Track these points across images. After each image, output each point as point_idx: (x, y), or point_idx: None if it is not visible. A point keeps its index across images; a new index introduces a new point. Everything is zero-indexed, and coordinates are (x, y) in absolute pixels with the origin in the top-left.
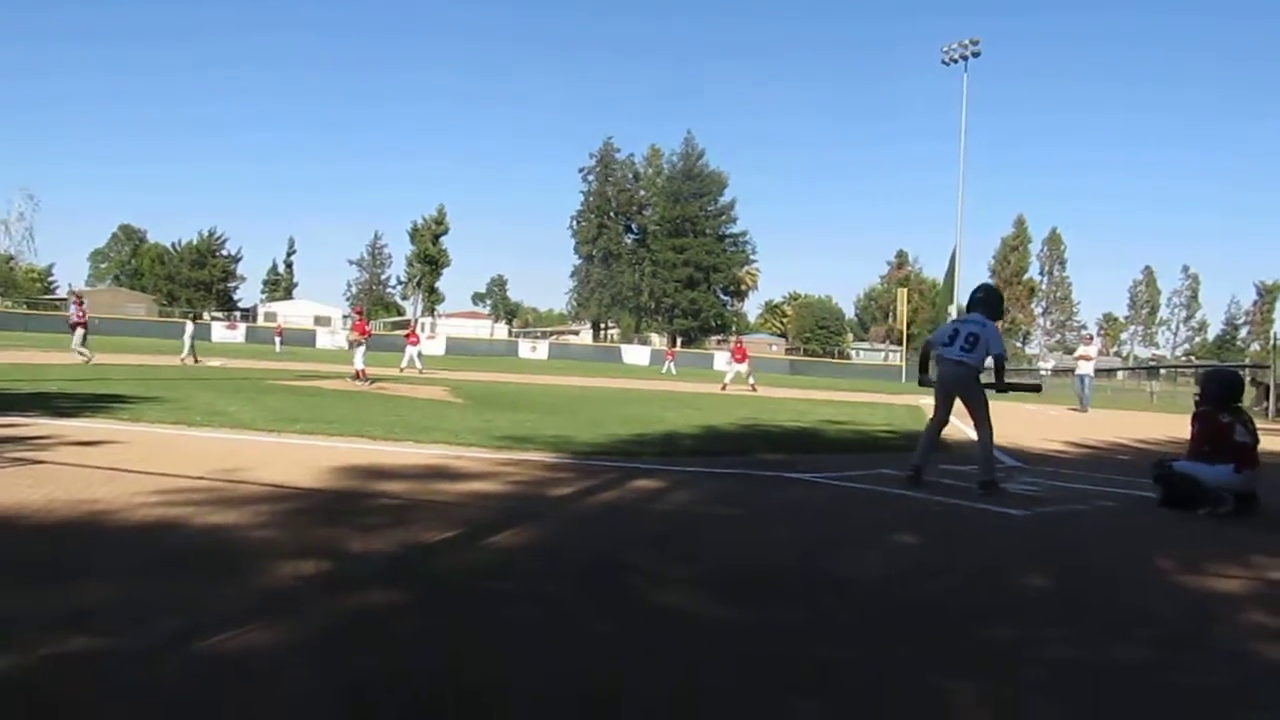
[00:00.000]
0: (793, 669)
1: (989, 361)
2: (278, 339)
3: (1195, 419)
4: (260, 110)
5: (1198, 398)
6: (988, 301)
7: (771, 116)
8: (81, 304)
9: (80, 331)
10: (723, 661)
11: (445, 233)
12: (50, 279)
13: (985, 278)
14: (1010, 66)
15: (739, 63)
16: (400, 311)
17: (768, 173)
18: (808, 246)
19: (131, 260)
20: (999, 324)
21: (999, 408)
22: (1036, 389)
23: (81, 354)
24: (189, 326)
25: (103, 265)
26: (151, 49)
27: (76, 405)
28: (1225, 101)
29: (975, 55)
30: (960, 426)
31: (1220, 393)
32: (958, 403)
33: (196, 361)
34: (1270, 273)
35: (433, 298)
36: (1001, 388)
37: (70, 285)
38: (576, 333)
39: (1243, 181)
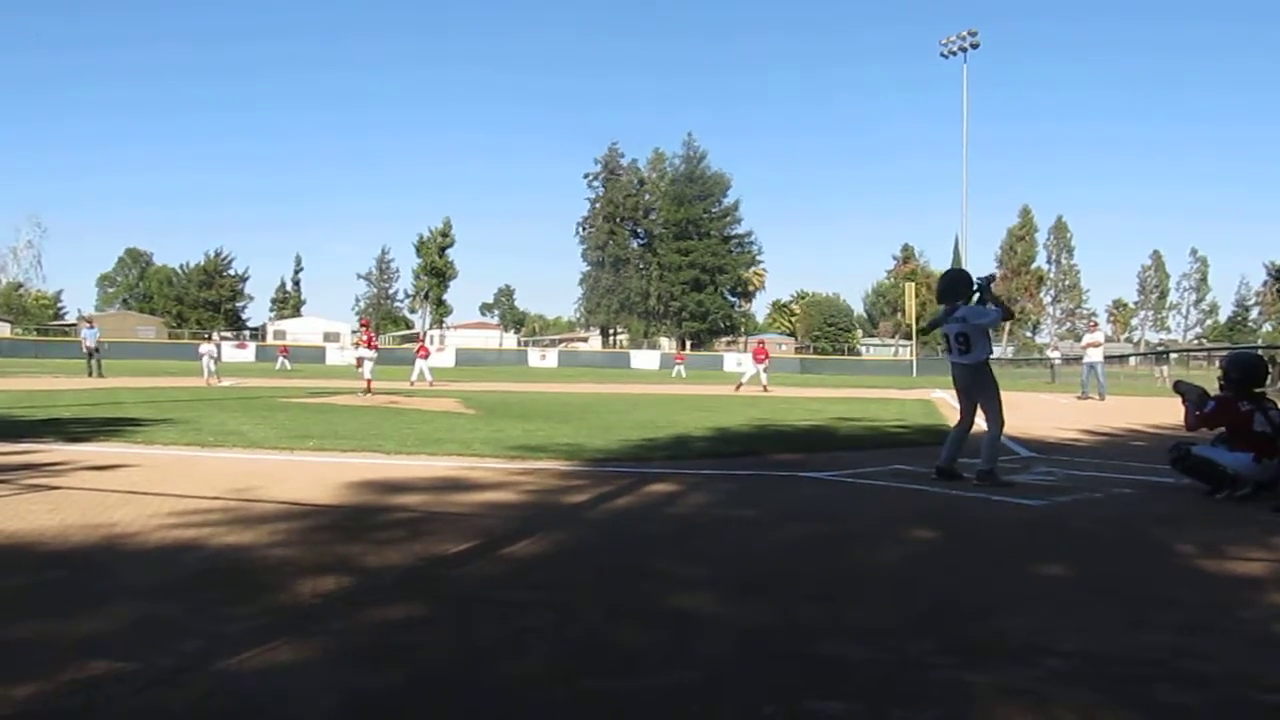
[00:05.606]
0: (811, 667)
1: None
2: (281, 357)
3: (1214, 399)
4: (261, 121)
5: (1221, 381)
6: (953, 290)
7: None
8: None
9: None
10: (741, 662)
11: (451, 245)
12: (59, 305)
13: (992, 268)
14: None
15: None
16: (409, 325)
17: (770, 167)
18: (814, 241)
19: (140, 283)
20: (974, 298)
21: (1013, 398)
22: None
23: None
24: (209, 349)
25: (110, 289)
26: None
27: (90, 430)
28: (1227, 76)
29: (974, 47)
30: (981, 425)
31: (1240, 378)
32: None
33: (215, 382)
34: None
35: (440, 310)
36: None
37: (80, 310)
38: (585, 339)
39: (1249, 160)
